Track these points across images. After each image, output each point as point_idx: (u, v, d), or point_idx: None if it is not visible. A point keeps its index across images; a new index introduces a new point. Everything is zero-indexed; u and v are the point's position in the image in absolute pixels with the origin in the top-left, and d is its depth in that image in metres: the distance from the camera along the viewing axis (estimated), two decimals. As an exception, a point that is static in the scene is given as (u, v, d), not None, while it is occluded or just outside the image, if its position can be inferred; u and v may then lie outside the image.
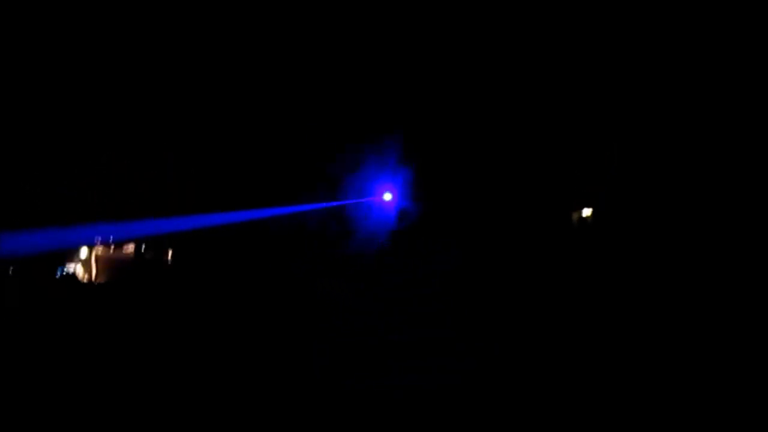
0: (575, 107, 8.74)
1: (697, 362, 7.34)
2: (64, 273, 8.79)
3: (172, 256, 9.27)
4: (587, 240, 9.16)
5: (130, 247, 9.19)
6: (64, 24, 7.95)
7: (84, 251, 8.98)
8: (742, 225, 8.01)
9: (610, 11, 8.06)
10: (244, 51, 8.53)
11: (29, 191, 8.42)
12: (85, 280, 8.89)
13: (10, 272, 8.08)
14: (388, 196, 9.33)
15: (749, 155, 7.98)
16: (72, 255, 8.96)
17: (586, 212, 9.50)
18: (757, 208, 7.93)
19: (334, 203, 9.11)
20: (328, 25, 8.39)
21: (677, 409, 6.83)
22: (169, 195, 8.92)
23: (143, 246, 9.22)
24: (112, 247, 9.11)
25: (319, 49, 8.56)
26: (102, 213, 8.62)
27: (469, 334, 8.37)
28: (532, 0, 8.23)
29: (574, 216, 9.62)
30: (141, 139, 8.83)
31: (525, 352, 8.03)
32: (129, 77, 8.46)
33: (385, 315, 8.74)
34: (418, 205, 9.30)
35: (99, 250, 9.05)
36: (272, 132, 9.06)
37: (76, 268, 8.90)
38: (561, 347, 8.06)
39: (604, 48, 8.27)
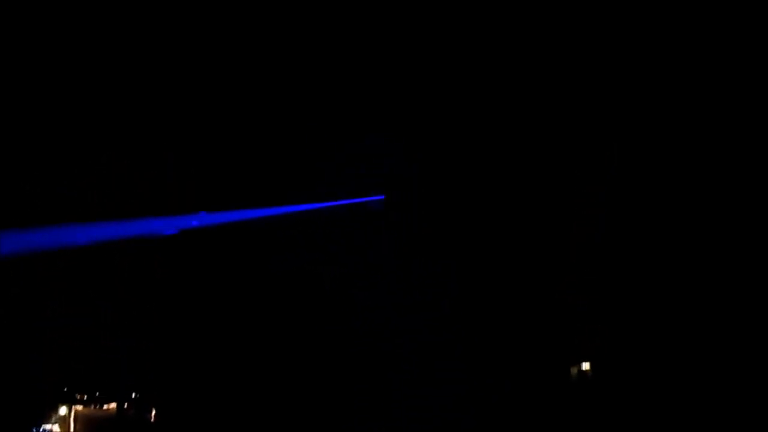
0: (575, 107, 8.68)
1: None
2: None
3: (156, 415, 8.71)
4: (587, 248, 8.90)
5: (111, 404, 8.65)
6: (64, 24, 7.87)
7: (62, 408, 8.39)
8: (743, 227, 7.91)
9: (610, 11, 8.15)
10: (244, 52, 8.49)
11: (29, 191, 8.03)
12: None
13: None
14: (378, 201, 8.99)
15: (750, 155, 7.97)
16: (48, 412, 8.34)
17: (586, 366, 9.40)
18: (759, 209, 7.87)
19: (336, 202, 8.74)
20: (326, 29, 8.43)
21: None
22: (169, 195, 8.59)
23: (126, 403, 8.68)
24: (93, 404, 8.56)
25: (318, 51, 8.51)
26: (102, 213, 8.16)
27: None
28: (532, 0, 8.31)
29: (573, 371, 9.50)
30: (141, 139, 8.60)
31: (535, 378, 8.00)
32: (128, 77, 8.32)
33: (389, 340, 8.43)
34: (415, 210, 8.97)
35: (78, 407, 8.49)
36: (271, 132, 8.90)
37: (53, 428, 8.26)
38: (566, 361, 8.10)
39: (604, 48, 8.31)
